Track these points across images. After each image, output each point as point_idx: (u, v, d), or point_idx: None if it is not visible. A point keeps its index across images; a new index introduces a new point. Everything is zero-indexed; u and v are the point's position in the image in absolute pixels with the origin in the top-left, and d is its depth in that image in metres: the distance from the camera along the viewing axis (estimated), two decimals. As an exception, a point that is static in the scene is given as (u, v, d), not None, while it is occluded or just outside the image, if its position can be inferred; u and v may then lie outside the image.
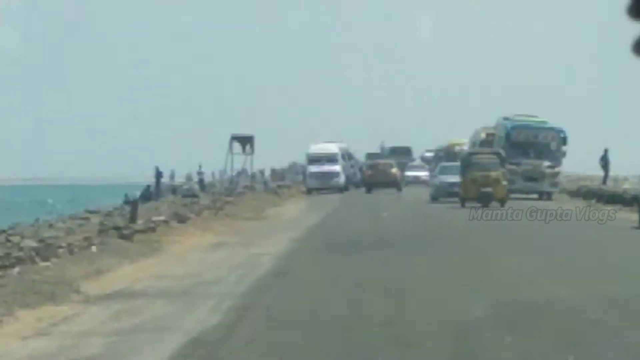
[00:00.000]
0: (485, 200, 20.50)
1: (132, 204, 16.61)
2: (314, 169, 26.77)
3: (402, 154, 32.79)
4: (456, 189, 22.08)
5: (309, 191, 26.92)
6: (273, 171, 38.64)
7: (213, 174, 29.83)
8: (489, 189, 20.54)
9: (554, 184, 22.26)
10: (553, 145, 22.66)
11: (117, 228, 13.44)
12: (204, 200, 24.16)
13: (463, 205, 21.10)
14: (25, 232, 15.81)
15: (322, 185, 26.51)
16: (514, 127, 23.44)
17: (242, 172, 28.97)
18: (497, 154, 22.27)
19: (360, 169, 31.26)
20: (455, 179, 22.06)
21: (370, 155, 33.37)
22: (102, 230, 13.34)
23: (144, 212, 21.48)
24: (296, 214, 23.04)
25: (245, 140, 26.69)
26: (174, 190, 28.71)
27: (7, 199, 49.85)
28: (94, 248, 11.43)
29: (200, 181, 29.64)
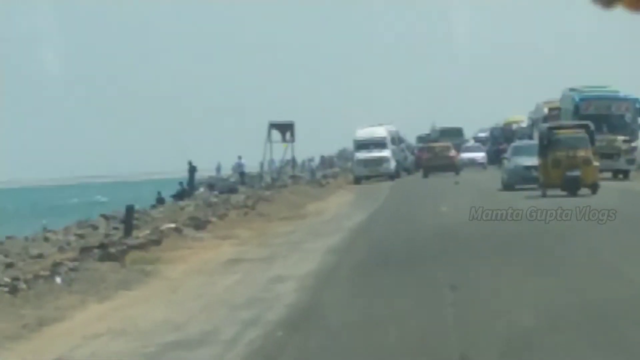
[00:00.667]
0: (571, 186, 16.41)
1: (127, 211, 13.38)
2: (361, 155, 24.09)
3: (453, 135, 30.31)
4: (535, 174, 17.94)
5: (357, 180, 24.12)
6: (322, 158, 36.67)
7: (261, 164, 26.55)
8: (576, 173, 16.40)
9: (631, 161, 19.02)
10: (628, 117, 19.63)
11: (102, 246, 10.50)
12: (239, 196, 21.91)
13: (544, 195, 16.82)
14: (13, 248, 13.43)
15: (371, 173, 23.91)
16: (583, 99, 19.96)
17: (289, 162, 27.16)
18: (585, 127, 17.73)
19: (412, 153, 29.80)
20: (534, 161, 17.97)
21: (421, 138, 32.16)
22: (86, 249, 10.50)
23: (163, 216, 19.99)
24: (339, 211, 19.50)
25: (285, 128, 24.30)
26: (211, 185, 26.50)
27: (56, 200, 49.57)
28: (58, 279, 8.50)
29: (241, 174, 27.49)
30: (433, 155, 24.91)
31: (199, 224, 15.65)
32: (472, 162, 27.73)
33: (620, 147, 19.04)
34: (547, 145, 17.25)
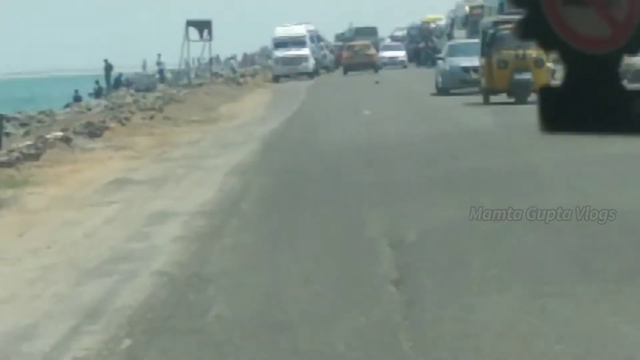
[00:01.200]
0: (520, 92, 13.59)
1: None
2: (280, 53, 23.59)
3: (368, 34, 30.41)
4: (475, 76, 15.51)
5: (276, 78, 24.07)
6: (244, 56, 37.81)
7: (180, 63, 25.57)
8: (526, 75, 13.71)
9: None
10: None
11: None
12: (151, 96, 19.64)
13: (487, 101, 14.49)
14: None
15: (290, 72, 23.41)
16: None
17: (211, 60, 26.44)
18: None
19: (332, 52, 29.93)
20: (473, 62, 15.52)
21: (339, 37, 32.89)
22: None
23: (69, 118, 17.35)
24: (253, 114, 17.13)
25: (203, 25, 23.06)
26: (128, 83, 26.15)
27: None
28: None
29: (160, 72, 27.57)
30: (353, 54, 25.17)
31: (93, 131, 13.19)
32: (393, 61, 27.60)
33: None
34: (491, 42, 14.54)
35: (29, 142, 11.56)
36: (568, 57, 0.47)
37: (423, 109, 14.58)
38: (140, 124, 15.53)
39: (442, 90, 16.91)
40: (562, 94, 0.46)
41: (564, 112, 0.47)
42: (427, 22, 30.28)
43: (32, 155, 10.37)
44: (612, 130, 0.49)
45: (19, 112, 18.53)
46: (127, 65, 27.50)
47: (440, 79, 17.46)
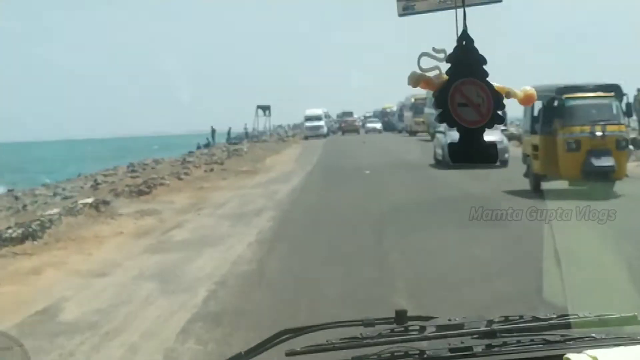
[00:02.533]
0: (601, 180, 10.16)
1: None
2: (308, 124, 41.11)
3: (348, 115, 50.61)
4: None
5: (306, 137, 38.69)
6: (294, 125, 56.61)
7: (253, 129, 40.52)
8: (607, 162, 10.03)
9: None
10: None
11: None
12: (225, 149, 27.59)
13: (537, 188, 10.76)
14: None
15: (313, 134, 38.82)
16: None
17: (271, 130, 43.95)
18: (615, 88, 10.87)
19: (336, 123, 49.92)
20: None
21: (339, 115, 53.35)
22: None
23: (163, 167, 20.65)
24: (285, 167, 19.92)
25: (265, 108, 39.94)
26: (228, 139, 36.43)
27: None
28: None
29: (245, 133, 39.94)
30: (347, 124, 45.27)
31: (143, 189, 13.65)
32: (373, 129, 44.53)
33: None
34: (551, 115, 10.65)
35: (55, 210, 10.74)
36: (459, 129, 0.95)
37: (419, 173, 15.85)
38: (198, 176, 17.42)
39: (443, 163, 15.68)
40: (458, 146, 0.95)
41: (460, 153, 0.96)
42: (385, 108, 49.91)
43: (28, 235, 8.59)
44: (479, 162, 0.96)
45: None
46: (222, 130, 41.31)
47: (440, 151, 16.02)
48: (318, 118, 39.95)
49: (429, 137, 22.72)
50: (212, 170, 18.86)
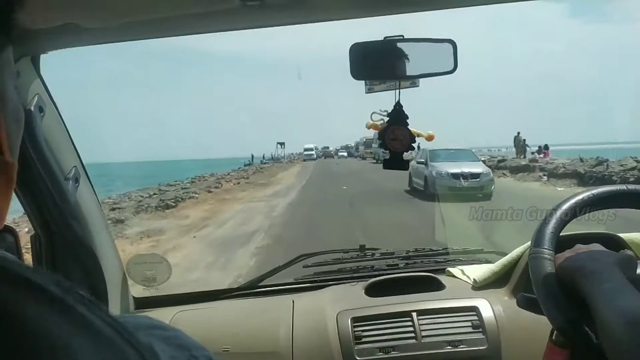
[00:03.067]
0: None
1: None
2: (305, 153, 65.30)
3: (326, 148, 76.31)
4: (466, 184, 13.15)
5: (304, 160, 58.09)
6: (296, 154, 77.79)
7: (274, 156, 61.52)
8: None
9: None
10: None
11: None
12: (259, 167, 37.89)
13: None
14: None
15: (308, 158, 59.40)
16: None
17: (286, 156, 66.40)
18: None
19: (320, 152, 71.87)
20: (459, 168, 13.72)
21: (323, 148, 76.75)
22: None
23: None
24: (289, 180, 24.78)
25: (282, 143, 63.50)
26: (261, 161, 51.79)
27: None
28: None
29: (272, 157, 59.18)
30: (326, 153, 69.52)
31: (169, 204, 14.00)
32: (342, 156, 63.54)
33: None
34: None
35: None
36: (390, 153, 1.74)
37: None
38: (226, 189, 19.93)
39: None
40: (390, 161, 1.78)
41: (390, 163, 1.76)
42: (347, 145, 73.78)
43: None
44: (399, 169, 1.76)
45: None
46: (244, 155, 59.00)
47: (420, 181, 15.25)
48: (311, 149, 66.84)
49: (374, 160, 36.34)
50: (239, 183, 22.65)
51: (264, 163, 47.80)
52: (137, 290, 1.74)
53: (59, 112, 1.34)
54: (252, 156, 55.46)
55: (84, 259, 1.40)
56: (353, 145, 69.42)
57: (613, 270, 0.93)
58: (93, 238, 1.41)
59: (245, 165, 44.46)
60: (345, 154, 67.23)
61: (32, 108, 1.20)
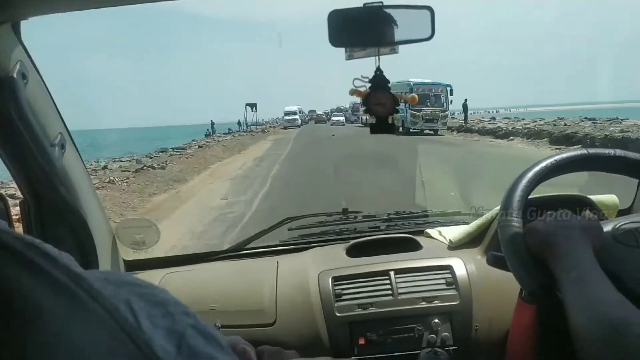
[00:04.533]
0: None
1: None
2: (287, 117, 51.46)
3: (313, 112, 67.24)
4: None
5: (285, 127, 47.48)
6: (277, 119, 69.97)
7: (244, 122, 47.13)
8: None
9: (444, 124, 28.33)
10: (442, 97, 28.87)
11: None
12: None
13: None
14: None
15: (291, 125, 48.35)
16: (415, 84, 28.25)
17: (263, 122, 59.65)
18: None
19: (307, 116, 63.20)
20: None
21: (310, 111, 69.48)
22: None
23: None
24: (262, 150, 21.07)
25: (252, 105, 47.43)
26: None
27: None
28: None
29: (238, 124, 46.37)
30: (318, 117, 60.10)
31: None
32: (338, 122, 50.05)
33: (438, 115, 26.72)
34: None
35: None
36: (375, 117, 1.81)
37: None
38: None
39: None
40: (376, 125, 1.81)
41: (376, 128, 1.80)
42: (339, 107, 61.53)
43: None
44: (385, 133, 1.83)
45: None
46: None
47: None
48: (294, 113, 52.06)
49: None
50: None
51: (227, 133, 36.40)
52: (128, 254, 1.79)
53: (42, 79, 1.34)
54: (213, 123, 42.87)
55: (73, 223, 1.44)
56: (348, 106, 56.54)
57: (580, 248, 0.95)
58: (81, 203, 1.45)
59: (206, 135, 36.20)
60: (341, 118, 50.45)
61: (15, 75, 1.21)
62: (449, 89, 28.69)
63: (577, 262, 0.93)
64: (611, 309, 0.82)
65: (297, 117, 51.43)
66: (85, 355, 0.40)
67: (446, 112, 28.34)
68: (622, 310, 0.81)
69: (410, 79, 29.59)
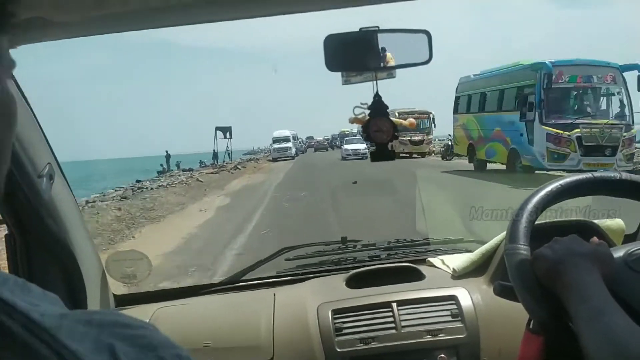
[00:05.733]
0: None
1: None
2: (275, 145, 39.16)
3: (310, 139, 62.50)
4: None
5: (275, 159, 36.10)
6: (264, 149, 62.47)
7: (214, 153, 34.66)
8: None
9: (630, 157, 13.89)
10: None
11: None
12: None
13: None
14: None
15: (280, 156, 37.06)
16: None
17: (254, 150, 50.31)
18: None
19: (304, 144, 56.27)
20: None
21: (307, 138, 63.62)
22: None
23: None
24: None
25: (225, 130, 34.57)
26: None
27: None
28: None
29: (216, 156, 34.96)
30: (319, 144, 53.51)
31: None
32: (356, 154, 46.69)
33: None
34: None
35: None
36: (375, 145, 1.80)
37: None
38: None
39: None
40: (376, 153, 1.79)
41: (376, 156, 1.77)
42: (344, 132, 52.23)
43: None
44: (384, 160, 1.81)
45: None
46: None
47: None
48: (286, 139, 39.32)
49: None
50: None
51: (186, 170, 28.56)
52: (118, 288, 1.72)
53: (30, 108, 1.31)
54: (169, 156, 34.40)
55: (61, 257, 1.38)
56: (351, 131, 47.33)
57: (591, 279, 0.92)
58: (70, 236, 1.39)
59: (159, 172, 29.67)
60: (361, 146, 32.71)
61: (2, 104, 1.17)
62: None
63: (590, 294, 0.89)
64: (632, 341, 0.79)
65: (289, 145, 38.87)
66: None
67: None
68: None
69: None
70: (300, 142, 50.07)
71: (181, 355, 0.49)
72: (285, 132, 40.47)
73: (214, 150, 33.88)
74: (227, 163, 31.69)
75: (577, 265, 0.94)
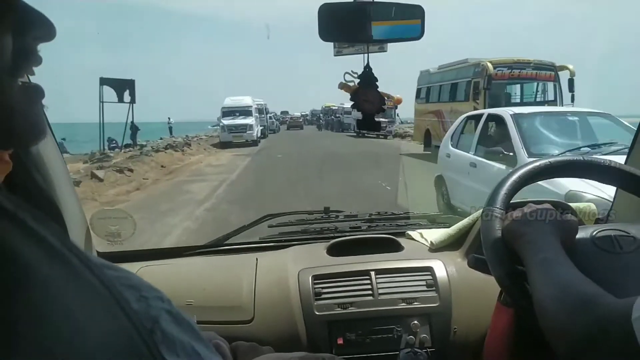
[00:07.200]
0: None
1: None
2: (226, 121, 23.46)
3: (285, 114, 56.85)
4: None
5: (223, 145, 22.05)
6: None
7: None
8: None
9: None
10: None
11: None
12: None
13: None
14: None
15: (235, 139, 22.48)
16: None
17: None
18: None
19: (278, 120, 45.73)
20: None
21: (282, 113, 56.71)
22: None
23: None
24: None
25: (121, 85, 17.95)
26: None
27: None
28: None
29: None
30: (293, 121, 48.59)
31: None
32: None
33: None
34: None
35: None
36: (363, 114, 1.82)
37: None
38: None
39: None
40: (363, 122, 1.80)
41: (363, 125, 1.78)
42: (328, 106, 48.60)
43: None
44: (372, 130, 1.82)
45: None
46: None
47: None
48: (245, 112, 23.97)
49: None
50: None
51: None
52: (102, 245, 1.74)
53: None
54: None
55: (46, 212, 1.39)
56: (336, 107, 42.33)
57: (550, 239, 0.96)
58: (56, 192, 1.40)
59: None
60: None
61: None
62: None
63: (545, 248, 0.93)
64: (578, 286, 0.82)
65: (250, 121, 23.47)
66: (79, 325, 0.39)
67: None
68: (589, 286, 0.81)
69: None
70: (271, 117, 36.82)
71: (162, 298, 0.51)
72: (245, 100, 25.48)
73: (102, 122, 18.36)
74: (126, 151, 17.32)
75: (541, 229, 0.98)
